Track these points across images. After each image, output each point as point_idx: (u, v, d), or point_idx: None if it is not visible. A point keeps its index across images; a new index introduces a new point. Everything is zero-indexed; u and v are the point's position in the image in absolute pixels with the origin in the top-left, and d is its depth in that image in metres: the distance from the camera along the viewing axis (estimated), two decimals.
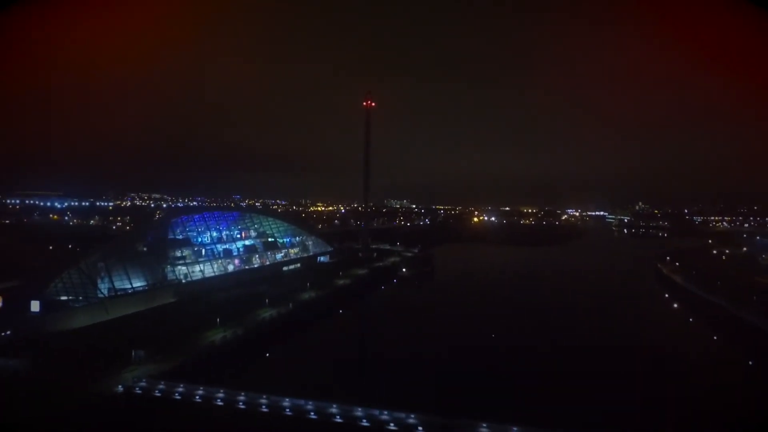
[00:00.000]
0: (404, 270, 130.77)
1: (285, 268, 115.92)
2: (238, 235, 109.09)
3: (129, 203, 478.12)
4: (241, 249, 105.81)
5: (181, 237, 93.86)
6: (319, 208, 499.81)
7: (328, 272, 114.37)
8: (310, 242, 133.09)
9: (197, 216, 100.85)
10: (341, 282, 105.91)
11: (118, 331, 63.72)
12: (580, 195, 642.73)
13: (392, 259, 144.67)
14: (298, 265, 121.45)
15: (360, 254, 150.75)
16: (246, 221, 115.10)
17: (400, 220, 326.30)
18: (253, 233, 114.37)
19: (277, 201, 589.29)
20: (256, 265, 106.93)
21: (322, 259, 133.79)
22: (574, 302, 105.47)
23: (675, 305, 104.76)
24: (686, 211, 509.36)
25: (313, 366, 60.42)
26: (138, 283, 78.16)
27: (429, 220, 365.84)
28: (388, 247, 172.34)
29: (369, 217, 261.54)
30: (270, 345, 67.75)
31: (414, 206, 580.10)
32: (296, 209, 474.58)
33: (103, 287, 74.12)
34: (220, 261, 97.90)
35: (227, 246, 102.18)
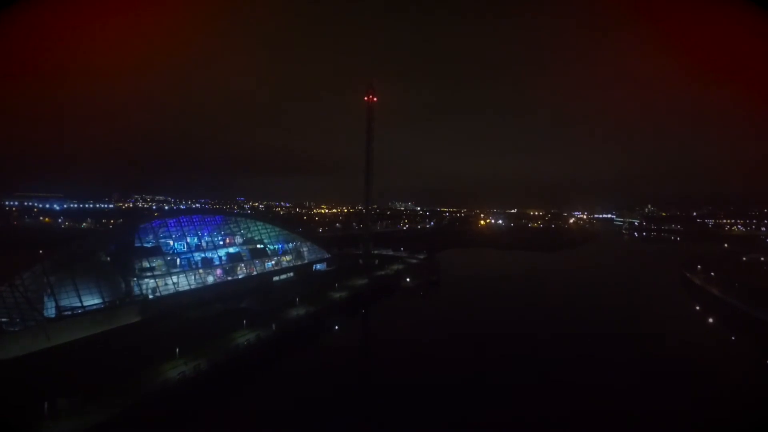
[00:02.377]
0: (408, 280, 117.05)
1: (275, 278, 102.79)
2: (221, 242, 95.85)
3: (131, 205, 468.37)
4: (223, 257, 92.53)
5: (150, 244, 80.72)
6: (323, 211, 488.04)
7: (324, 283, 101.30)
8: (305, 248, 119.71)
9: (172, 220, 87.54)
10: (337, 295, 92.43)
11: (53, 364, 50.61)
12: (586, 197, 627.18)
13: (395, 267, 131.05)
14: (291, 274, 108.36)
15: (360, 261, 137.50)
16: (231, 226, 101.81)
17: (405, 223, 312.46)
18: (239, 239, 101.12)
19: (282, 203, 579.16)
20: (241, 276, 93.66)
21: (318, 267, 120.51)
22: (602, 320, 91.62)
23: (710, 320, 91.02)
24: (694, 213, 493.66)
25: (289, 420, 46.55)
26: (92, 301, 64.94)
27: (434, 223, 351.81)
28: (391, 252, 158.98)
29: (371, 220, 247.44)
30: (239, 384, 54.10)
31: (419, 209, 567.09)
32: (300, 211, 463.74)
33: (49, 306, 61.35)
34: (198, 272, 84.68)
35: (207, 254, 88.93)
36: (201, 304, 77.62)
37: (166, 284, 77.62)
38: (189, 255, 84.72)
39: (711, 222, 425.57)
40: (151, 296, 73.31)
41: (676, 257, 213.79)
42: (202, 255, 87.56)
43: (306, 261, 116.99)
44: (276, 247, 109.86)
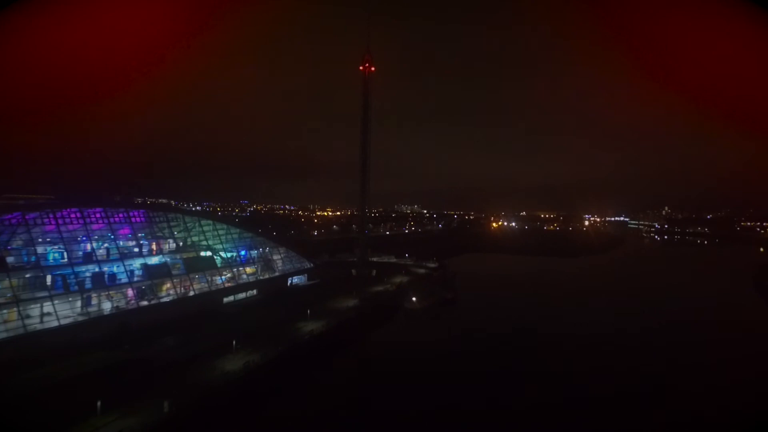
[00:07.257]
0: (414, 299, 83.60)
1: (228, 300, 70.42)
2: (137, 249, 63.25)
3: None
4: (138, 272, 59.91)
5: None
6: (327, 213, 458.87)
7: (296, 305, 68.75)
8: (279, 257, 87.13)
9: (49, 216, 54.74)
10: (308, 327, 59.40)
11: None
12: (595, 200, 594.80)
13: (398, 280, 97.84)
14: (254, 292, 75.90)
15: (354, 271, 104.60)
16: (161, 227, 68.72)
17: (411, 226, 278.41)
18: (171, 245, 68.41)
19: (286, 206, 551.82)
20: (168, 299, 61.08)
21: (295, 280, 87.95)
22: (678, 352, 58.40)
23: None
24: (709, 216, 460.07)
25: None
26: None
27: (443, 225, 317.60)
28: (394, 259, 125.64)
29: (373, 222, 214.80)
30: None
31: (425, 211, 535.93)
32: (302, 214, 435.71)
33: None
34: (84, 295, 52.31)
35: (107, 268, 56.45)
36: (70, 350, 44.85)
37: (15, 319, 45.38)
38: (68, 270, 52.02)
39: (737, 225, 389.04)
40: None
41: (730, 265, 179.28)
42: (96, 269, 54.93)
43: (278, 273, 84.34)
44: (233, 254, 77.34)
